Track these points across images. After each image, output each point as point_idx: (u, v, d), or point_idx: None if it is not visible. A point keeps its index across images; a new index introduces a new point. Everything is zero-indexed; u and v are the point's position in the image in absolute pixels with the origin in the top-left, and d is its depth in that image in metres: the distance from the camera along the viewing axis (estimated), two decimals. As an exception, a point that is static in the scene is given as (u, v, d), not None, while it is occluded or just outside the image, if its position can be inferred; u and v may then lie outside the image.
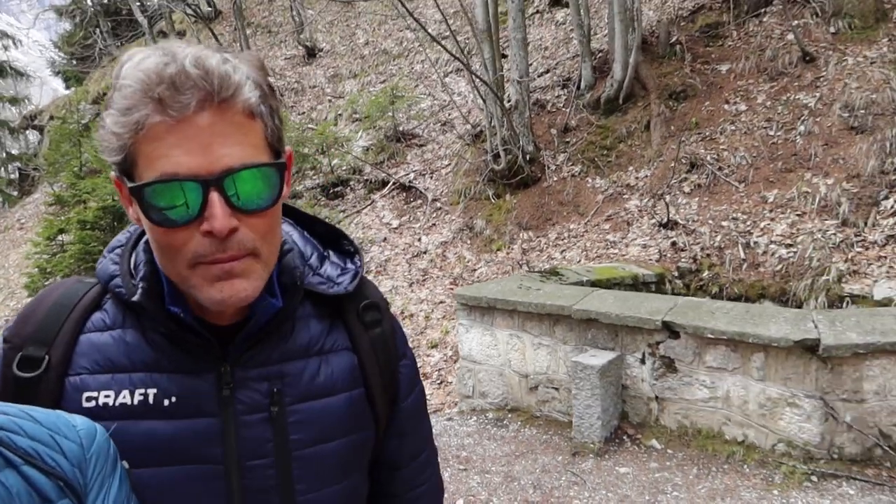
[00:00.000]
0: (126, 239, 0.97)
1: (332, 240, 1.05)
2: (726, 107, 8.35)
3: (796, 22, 8.60)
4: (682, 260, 7.03)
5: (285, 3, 16.86)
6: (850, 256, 6.25)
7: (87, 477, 0.77)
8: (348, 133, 12.24)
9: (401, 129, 11.48)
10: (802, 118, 7.65)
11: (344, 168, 11.36)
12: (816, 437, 3.90)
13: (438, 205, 9.76)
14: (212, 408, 0.87)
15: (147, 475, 0.85)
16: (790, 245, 6.61)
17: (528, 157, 8.87)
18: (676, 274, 6.96)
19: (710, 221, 7.23)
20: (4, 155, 20.01)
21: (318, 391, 0.93)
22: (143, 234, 0.94)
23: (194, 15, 15.57)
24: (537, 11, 13.02)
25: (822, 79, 7.97)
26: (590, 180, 8.63)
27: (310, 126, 12.80)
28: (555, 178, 8.89)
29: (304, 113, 13.84)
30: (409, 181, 10.32)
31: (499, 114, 8.62)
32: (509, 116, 8.63)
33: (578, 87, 9.67)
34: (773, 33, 8.85)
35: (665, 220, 7.38)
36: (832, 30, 8.55)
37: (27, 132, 21.22)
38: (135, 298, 0.86)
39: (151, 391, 0.86)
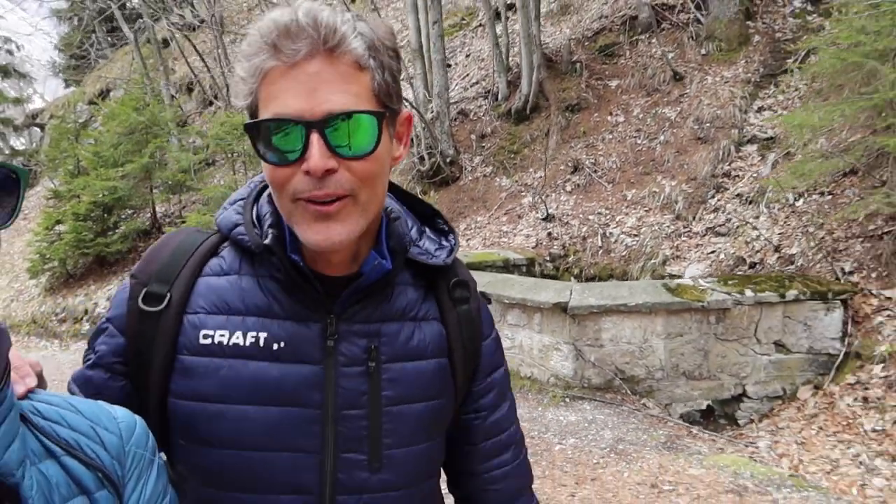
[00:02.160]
0: (248, 193, 1.02)
1: (429, 218, 1.10)
2: (609, 118, 9.91)
3: (669, 48, 10.13)
4: (554, 247, 8.64)
5: (266, 8, 18.39)
6: (676, 244, 7.84)
7: (125, 469, 0.79)
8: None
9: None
10: (664, 129, 9.21)
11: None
12: (571, 372, 5.53)
13: (377, 200, 11.37)
14: (316, 356, 0.93)
15: (252, 412, 0.91)
16: (635, 235, 8.20)
17: (447, 160, 10.47)
18: (548, 258, 8.57)
19: (581, 215, 8.82)
20: (9, 151, 21.73)
21: (411, 354, 0.99)
22: (263, 189, 1.00)
23: (176, 25, 17.15)
24: (480, 25, 14.51)
25: (685, 95, 9.52)
26: (497, 180, 10.22)
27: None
28: (470, 178, 10.49)
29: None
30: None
31: (421, 124, 10.21)
32: (430, 126, 10.21)
33: (496, 99, 11.23)
34: (656, 54, 10.37)
35: (546, 214, 8.97)
36: (703, 52, 10.07)
37: (30, 129, 22.99)
38: (266, 241, 0.91)
39: (263, 335, 0.92)
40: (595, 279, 8.15)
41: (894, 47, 5.28)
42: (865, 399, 5.12)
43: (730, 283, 5.55)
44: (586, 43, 11.25)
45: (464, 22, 14.78)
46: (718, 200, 8.02)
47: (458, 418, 1.09)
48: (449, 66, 13.87)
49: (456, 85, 12.81)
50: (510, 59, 11.63)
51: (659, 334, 5.39)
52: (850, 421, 5.06)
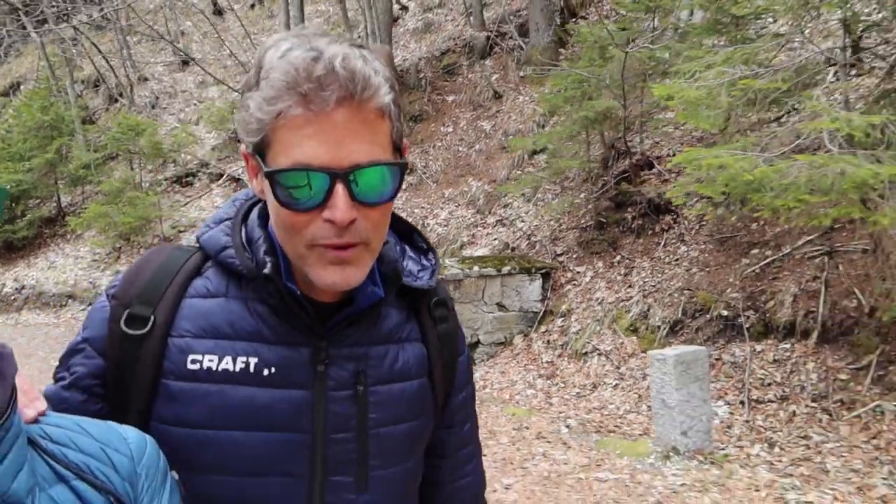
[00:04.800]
0: (234, 212, 1.01)
1: (407, 235, 1.11)
2: (442, 128, 12.01)
3: (497, 70, 12.30)
4: (386, 235, 10.69)
5: (169, 14, 19.75)
6: (473, 233, 10.00)
7: (137, 490, 0.78)
8: (205, 134, 15.52)
9: (241, 132, 14.83)
10: (480, 139, 11.37)
11: (195, 162, 14.67)
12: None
13: (256, 193, 13.22)
14: (306, 381, 0.94)
15: (241, 438, 0.91)
16: (445, 225, 10.33)
17: (312, 161, 12.37)
18: (380, 244, 10.62)
19: (409, 209, 10.90)
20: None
21: (396, 376, 1.00)
22: (250, 208, 1.01)
23: (84, 25, 18.35)
24: (359, 36, 16.39)
25: (500, 111, 11.69)
26: (352, 178, 12.19)
27: (176, 126, 16.00)
28: (330, 176, 12.44)
29: (174, 114, 17.00)
30: (238, 174, 13.71)
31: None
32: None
33: (357, 108, 13.18)
34: (486, 73, 12.52)
35: (382, 208, 11.01)
36: (522, 74, 12.25)
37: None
38: (266, 271, 0.91)
39: (253, 360, 0.92)
40: (414, 260, 10.26)
41: (577, 96, 7.51)
42: (548, 342, 7.39)
43: (466, 261, 7.73)
44: (434, 62, 13.31)
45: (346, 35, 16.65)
46: (508, 198, 10.22)
47: (432, 433, 1.11)
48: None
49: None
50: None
51: (414, 299, 7.49)
52: (536, 357, 7.32)
